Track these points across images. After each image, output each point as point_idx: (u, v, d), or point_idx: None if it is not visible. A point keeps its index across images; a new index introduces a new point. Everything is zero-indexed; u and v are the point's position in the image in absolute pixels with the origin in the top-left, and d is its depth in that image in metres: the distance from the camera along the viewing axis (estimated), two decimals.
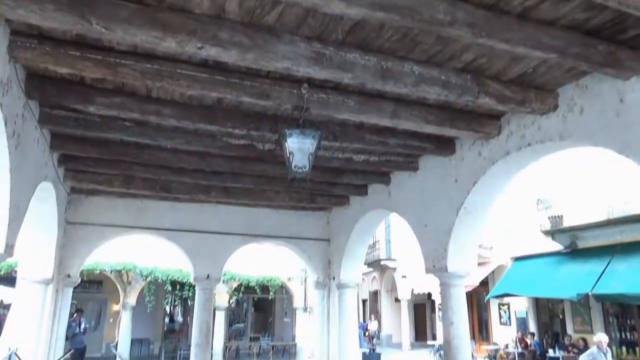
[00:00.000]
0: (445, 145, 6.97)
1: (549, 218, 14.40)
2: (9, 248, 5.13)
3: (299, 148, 4.86)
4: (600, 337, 8.67)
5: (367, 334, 23.40)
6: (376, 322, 25.40)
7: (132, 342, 17.47)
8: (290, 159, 4.82)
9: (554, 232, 14.18)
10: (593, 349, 8.51)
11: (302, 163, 4.81)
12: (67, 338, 10.59)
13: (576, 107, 5.02)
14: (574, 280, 12.81)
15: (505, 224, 15.90)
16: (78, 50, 4.32)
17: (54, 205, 7.86)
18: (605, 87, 4.69)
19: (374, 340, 23.40)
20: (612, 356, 9.15)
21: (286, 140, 4.86)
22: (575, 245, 13.89)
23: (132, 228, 10.50)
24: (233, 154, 7.19)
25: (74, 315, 11.53)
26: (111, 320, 19.56)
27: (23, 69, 4.84)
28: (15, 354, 7.45)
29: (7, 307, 11.89)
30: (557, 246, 14.32)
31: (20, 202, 5.40)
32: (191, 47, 3.93)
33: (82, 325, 11.70)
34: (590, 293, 12.15)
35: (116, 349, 16.97)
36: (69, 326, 10.65)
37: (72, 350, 11.07)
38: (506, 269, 16.48)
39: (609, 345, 9.05)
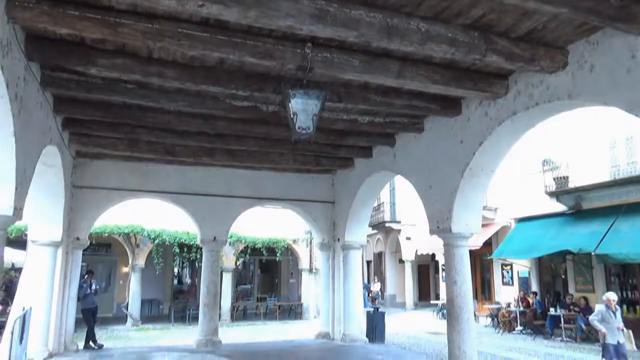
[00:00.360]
0: (451, 106, 6.88)
1: (554, 179, 14.36)
2: (18, 211, 5.19)
3: (303, 109, 4.81)
4: (609, 295, 8.56)
5: (370, 294, 23.88)
6: (379, 283, 25.87)
7: (142, 302, 17.89)
8: (294, 120, 4.79)
9: (558, 193, 14.16)
10: (602, 308, 8.45)
11: (306, 124, 4.78)
12: (79, 299, 10.86)
13: (586, 65, 4.91)
14: (577, 241, 12.88)
15: (509, 185, 15.89)
16: (77, 10, 4.23)
17: (60, 169, 7.90)
18: (617, 43, 4.57)
19: (377, 300, 23.89)
20: (622, 314, 8.93)
21: (290, 101, 4.81)
22: (579, 206, 13.90)
23: (138, 192, 10.59)
24: (237, 116, 7.15)
25: (85, 277, 11.76)
26: (121, 281, 19.99)
27: (22, 30, 4.76)
28: (30, 312, 7.66)
29: (18, 270, 12.14)
30: (561, 207, 14.34)
31: (27, 166, 5.42)
32: (192, 4, 3.83)
33: (93, 287, 11.95)
34: (593, 253, 12.25)
35: (127, 309, 17.42)
36: (80, 287, 10.89)
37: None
38: (510, 230, 16.59)
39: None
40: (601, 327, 8.23)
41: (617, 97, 4.57)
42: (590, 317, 8.72)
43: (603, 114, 13.03)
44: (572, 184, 13.92)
